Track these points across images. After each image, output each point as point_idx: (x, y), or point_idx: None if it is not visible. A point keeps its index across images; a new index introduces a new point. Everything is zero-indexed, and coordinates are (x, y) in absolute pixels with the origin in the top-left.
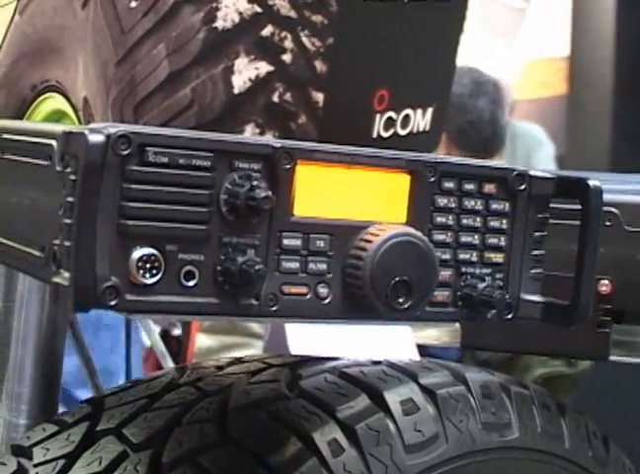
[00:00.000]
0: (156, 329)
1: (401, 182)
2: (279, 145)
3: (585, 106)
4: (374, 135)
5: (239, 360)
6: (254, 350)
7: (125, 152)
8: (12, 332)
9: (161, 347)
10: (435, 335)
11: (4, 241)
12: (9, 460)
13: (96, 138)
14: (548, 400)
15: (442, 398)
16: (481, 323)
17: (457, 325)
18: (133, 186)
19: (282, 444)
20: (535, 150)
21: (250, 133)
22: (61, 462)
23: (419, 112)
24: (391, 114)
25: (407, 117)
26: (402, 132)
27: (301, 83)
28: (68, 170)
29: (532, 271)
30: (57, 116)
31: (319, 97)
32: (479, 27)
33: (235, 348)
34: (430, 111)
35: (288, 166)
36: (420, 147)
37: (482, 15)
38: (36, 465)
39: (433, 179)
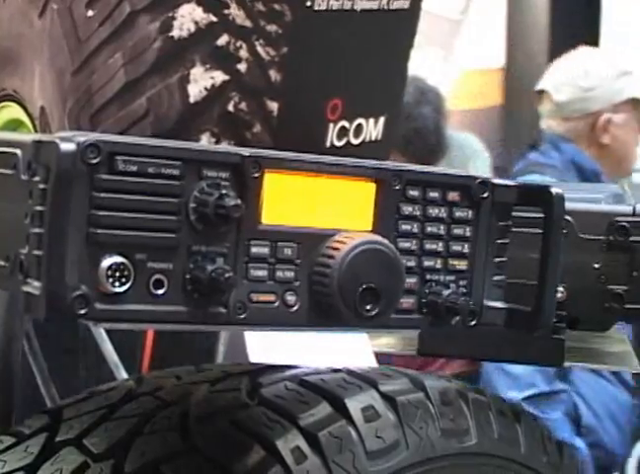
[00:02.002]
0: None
1: (367, 190)
2: (247, 154)
3: (519, 116)
4: (328, 144)
5: (197, 370)
6: None
7: (95, 161)
8: None
9: (114, 357)
10: (391, 342)
11: None
12: None
13: (67, 147)
14: (504, 406)
15: (402, 405)
16: (445, 330)
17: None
18: (102, 194)
19: (246, 452)
20: (472, 160)
21: (206, 142)
22: None
23: (371, 121)
24: (344, 123)
25: (360, 126)
26: (355, 141)
27: (256, 92)
28: (36, 179)
29: (495, 277)
30: (14, 124)
31: (274, 106)
32: (416, 37)
33: None
34: (382, 120)
35: (257, 175)
36: (372, 156)
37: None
38: None
39: (398, 187)
